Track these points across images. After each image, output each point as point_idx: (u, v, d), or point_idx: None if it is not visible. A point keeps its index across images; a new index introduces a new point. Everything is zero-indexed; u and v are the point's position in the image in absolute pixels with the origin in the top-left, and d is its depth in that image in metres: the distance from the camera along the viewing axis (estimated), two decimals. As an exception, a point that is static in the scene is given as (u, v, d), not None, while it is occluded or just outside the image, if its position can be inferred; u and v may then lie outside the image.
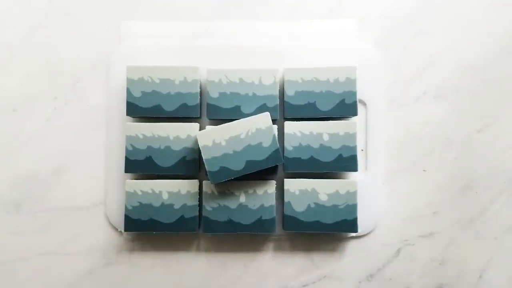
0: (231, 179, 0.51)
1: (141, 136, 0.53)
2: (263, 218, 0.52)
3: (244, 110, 0.53)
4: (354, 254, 0.55)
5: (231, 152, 0.50)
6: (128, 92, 0.53)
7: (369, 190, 0.55)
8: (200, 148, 0.51)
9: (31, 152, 0.55)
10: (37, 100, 0.56)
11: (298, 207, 0.53)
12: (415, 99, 0.56)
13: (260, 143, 0.51)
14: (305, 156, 0.53)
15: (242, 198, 0.52)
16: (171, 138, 0.53)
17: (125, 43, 0.56)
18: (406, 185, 0.56)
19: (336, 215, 0.52)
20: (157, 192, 0.53)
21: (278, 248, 0.55)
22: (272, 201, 0.52)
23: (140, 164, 0.53)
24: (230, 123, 0.51)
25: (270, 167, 0.51)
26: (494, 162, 0.56)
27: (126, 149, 0.53)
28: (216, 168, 0.50)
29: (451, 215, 0.56)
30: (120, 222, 0.55)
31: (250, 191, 0.52)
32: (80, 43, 0.56)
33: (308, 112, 0.53)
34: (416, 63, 0.57)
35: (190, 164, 0.53)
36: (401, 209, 0.55)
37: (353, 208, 0.52)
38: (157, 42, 0.56)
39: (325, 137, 0.53)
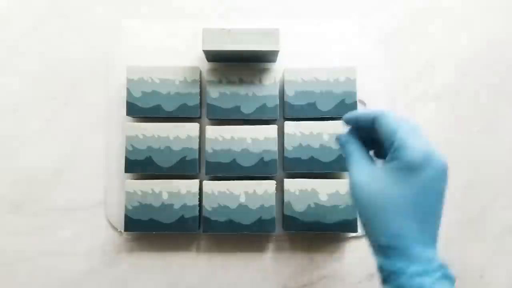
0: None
1: (141, 136, 0.54)
2: (263, 218, 0.53)
3: (244, 110, 0.54)
4: (354, 254, 0.56)
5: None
6: (128, 92, 0.54)
7: (369, 190, 0.56)
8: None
9: (31, 152, 0.56)
10: (37, 101, 0.57)
11: (298, 207, 0.54)
12: (415, 99, 0.58)
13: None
14: (305, 156, 0.54)
15: (242, 198, 0.53)
16: (171, 138, 0.54)
17: (125, 43, 0.57)
18: (406, 185, 0.56)
19: (336, 215, 0.53)
20: (157, 192, 0.54)
21: (278, 248, 0.56)
22: (272, 201, 0.53)
23: (140, 164, 0.54)
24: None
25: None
26: (493, 162, 0.57)
27: (126, 149, 0.54)
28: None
29: (451, 215, 0.57)
30: (120, 222, 0.55)
31: (250, 191, 0.53)
32: (80, 43, 0.57)
33: (308, 112, 0.54)
34: (416, 63, 0.58)
35: (190, 164, 0.54)
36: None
37: (353, 208, 0.53)
38: (157, 42, 0.57)
39: (325, 137, 0.54)
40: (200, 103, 0.55)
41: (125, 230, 0.54)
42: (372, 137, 0.39)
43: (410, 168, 0.34)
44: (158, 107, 0.54)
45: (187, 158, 0.54)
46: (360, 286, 0.55)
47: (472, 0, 0.59)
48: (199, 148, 0.55)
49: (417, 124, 0.36)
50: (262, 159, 0.54)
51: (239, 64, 0.57)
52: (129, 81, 0.54)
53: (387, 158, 0.36)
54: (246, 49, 0.51)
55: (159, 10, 0.58)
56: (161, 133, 0.54)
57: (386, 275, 0.34)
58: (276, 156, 0.54)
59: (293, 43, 0.57)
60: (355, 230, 0.53)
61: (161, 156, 0.54)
